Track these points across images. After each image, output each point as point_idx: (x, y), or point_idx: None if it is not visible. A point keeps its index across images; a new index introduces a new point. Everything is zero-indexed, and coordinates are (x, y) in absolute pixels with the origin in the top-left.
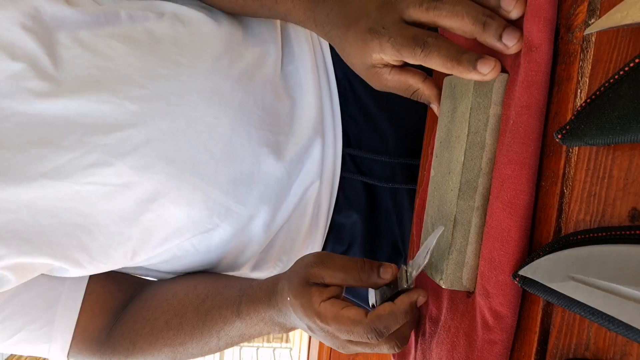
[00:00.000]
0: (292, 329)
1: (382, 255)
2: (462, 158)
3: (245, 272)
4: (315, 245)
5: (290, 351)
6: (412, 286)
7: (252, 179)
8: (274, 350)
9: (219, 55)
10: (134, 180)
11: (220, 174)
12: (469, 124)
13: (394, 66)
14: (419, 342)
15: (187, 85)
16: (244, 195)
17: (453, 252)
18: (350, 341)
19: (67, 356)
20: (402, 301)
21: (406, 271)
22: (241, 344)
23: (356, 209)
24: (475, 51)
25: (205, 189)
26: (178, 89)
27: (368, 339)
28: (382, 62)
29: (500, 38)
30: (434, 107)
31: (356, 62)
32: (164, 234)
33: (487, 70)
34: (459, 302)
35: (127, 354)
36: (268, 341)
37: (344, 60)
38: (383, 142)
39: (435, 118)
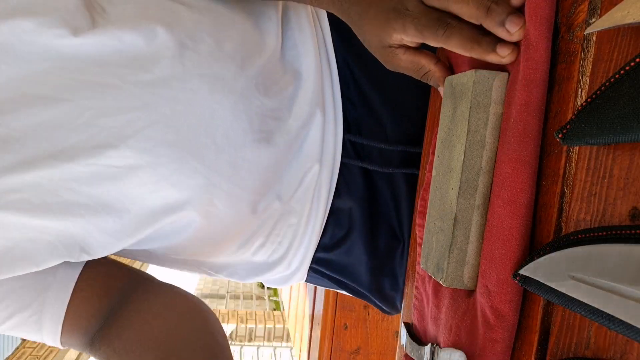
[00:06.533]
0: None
1: (381, 241)
2: (462, 157)
3: (246, 256)
4: (315, 229)
5: (290, 350)
6: None
7: (253, 163)
8: (274, 349)
9: (221, 41)
10: (136, 163)
11: (221, 159)
12: (468, 122)
13: (408, 47)
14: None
15: (190, 70)
16: (245, 180)
17: (454, 251)
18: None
19: (61, 344)
20: None
21: None
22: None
23: (355, 194)
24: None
25: (206, 173)
26: (181, 74)
27: None
28: (400, 43)
29: (503, 24)
30: (442, 90)
31: (373, 40)
32: (166, 218)
33: (505, 53)
34: (460, 300)
35: None
36: (269, 340)
37: (359, 38)
38: (382, 129)
39: (435, 118)
